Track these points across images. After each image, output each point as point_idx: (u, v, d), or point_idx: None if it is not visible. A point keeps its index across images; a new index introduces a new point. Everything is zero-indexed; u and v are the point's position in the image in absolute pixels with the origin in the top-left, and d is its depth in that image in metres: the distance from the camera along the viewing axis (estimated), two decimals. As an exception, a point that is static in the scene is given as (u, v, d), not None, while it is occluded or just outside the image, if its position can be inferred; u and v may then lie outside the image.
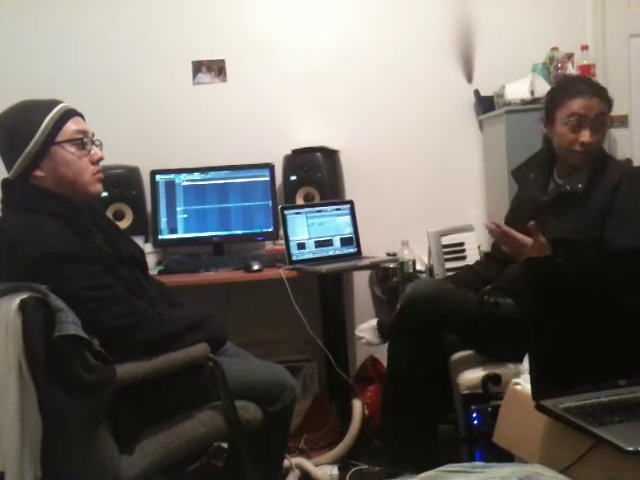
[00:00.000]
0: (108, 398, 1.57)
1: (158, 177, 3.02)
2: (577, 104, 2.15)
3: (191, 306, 2.06)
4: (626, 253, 1.84)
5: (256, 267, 2.68)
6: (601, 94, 2.17)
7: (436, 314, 2.13)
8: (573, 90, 2.19)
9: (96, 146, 1.84)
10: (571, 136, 2.16)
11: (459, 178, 3.32)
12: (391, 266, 2.92)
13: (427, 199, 3.28)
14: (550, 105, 2.24)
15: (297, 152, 3.02)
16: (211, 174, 3.03)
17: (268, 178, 3.02)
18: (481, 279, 2.36)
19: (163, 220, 3.01)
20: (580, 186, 2.14)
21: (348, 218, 2.90)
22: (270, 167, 3.03)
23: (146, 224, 3.03)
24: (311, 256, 2.76)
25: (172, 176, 3.02)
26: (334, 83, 3.24)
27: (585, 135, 2.14)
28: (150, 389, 1.70)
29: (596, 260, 1.74)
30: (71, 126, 1.77)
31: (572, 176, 2.18)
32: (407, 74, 3.26)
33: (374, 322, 2.47)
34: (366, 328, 2.47)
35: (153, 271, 2.66)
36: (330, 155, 3.03)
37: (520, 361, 1.93)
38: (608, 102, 2.18)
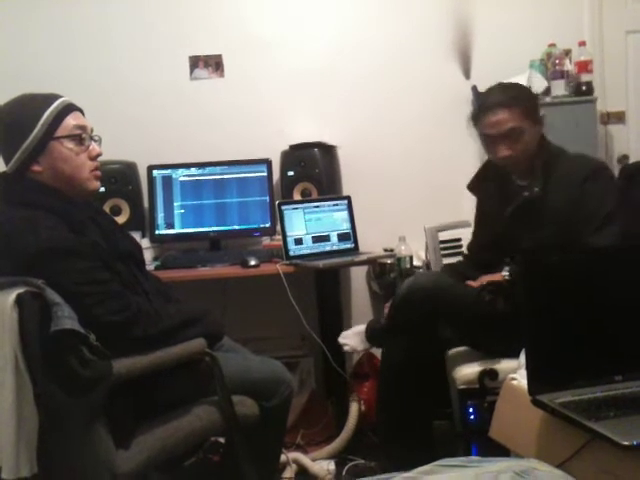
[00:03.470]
0: (104, 393, 1.57)
1: (155, 172, 3.01)
2: (485, 124, 2.12)
3: (187, 302, 2.06)
4: (620, 250, 1.85)
5: (253, 262, 2.68)
6: (510, 103, 2.08)
7: (434, 306, 2.13)
8: (484, 107, 2.15)
9: (95, 142, 1.83)
10: (490, 153, 2.16)
11: (456, 174, 3.29)
12: (388, 262, 2.92)
13: (424, 195, 3.27)
14: (473, 120, 2.21)
15: (294, 147, 3.01)
16: (208, 169, 3.03)
17: (265, 173, 3.02)
18: (463, 277, 2.35)
19: (160, 215, 3.00)
20: (536, 189, 2.11)
21: (345, 214, 2.90)
22: (267, 162, 3.02)
23: (143, 219, 3.03)
24: (308, 251, 2.76)
25: (169, 171, 3.02)
26: (332, 79, 3.23)
27: (500, 151, 2.11)
28: (147, 384, 1.70)
29: (591, 257, 1.75)
30: (70, 121, 1.77)
31: (529, 180, 2.14)
32: (405, 70, 3.25)
33: (358, 328, 2.46)
34: (350, 335, 2.46)
35: (150, 266, 2.66)
36: (328, 151, 3.03)
37: (516, 357, 1.93)
38: (524, 107, 2.09)
